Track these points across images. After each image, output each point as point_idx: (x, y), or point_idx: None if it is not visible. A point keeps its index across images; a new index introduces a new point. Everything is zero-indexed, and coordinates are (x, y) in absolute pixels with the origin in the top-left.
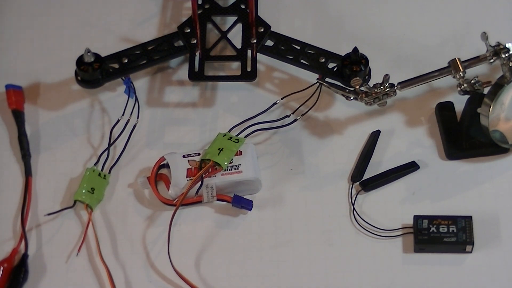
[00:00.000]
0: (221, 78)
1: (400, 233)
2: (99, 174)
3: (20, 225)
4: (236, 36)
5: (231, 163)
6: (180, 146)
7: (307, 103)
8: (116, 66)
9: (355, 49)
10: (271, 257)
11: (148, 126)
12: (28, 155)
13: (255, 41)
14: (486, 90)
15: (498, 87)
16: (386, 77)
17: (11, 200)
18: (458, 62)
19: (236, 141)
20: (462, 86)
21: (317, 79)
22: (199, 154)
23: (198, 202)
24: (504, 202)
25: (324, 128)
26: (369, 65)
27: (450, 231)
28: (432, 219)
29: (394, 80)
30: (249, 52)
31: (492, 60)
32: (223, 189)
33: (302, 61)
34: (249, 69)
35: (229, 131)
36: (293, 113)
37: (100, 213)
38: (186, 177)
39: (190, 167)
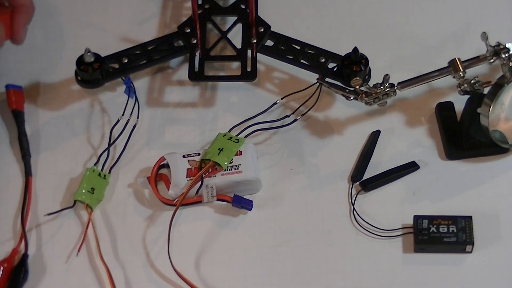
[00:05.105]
0: (221, 78)
1: (400, 233)
2: (99, 174)
3: (20, 225)
4: (236, 36)
5: (231, 163)
6: (180, 146)
7: (307, 103)
8: (116, 66)
9: (355, 49)
10: (271, 257)
11: (148, 126)
12: (28, 155)
13: (255, 41)
14: (486, 90)
15: (498, 87)
16: (386, 77)
17: (11, 200)
18: (458, 62)
19: (236, 141)
20: (462, 86)
21: (317, 79)
22: (199, 154)
23: (198, 202)
24: (504, 202)
25: (324, 128)
26: (369, 65)
27: (450, 231)
28: (432, 219)
29: (394, 80)
30: (249, 52)
31: (492, 60)
32: (223, 189)
33: (302, 61)
34: (249, 69)
35: (229, 131)
36: (293, 113)
37: (100, 213)
38: (186, 177)
39: (190, 167)
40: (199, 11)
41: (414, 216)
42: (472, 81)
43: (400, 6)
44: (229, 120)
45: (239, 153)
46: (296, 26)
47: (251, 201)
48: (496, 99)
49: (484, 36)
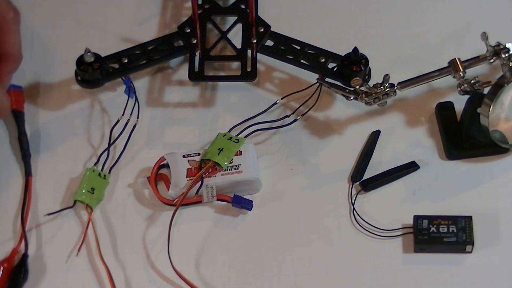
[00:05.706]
0: (221, 78)
1: (400, 233)
2: (99, 174)
3: (20, 225)
4: (236, 36)
5: (231, 163)
6: (180, 146)
7: (307, 103)
8: (116, 66)
9: (355, 49)
10: (271, 257)
11: (148, 126)
12: (28, 155)
13: (255, 41)
14: (486, 90)
15: (498, 87)
16: (386, 77)
17: (11, 200)
18: (458, 62)
19: (236, 141)
20: (462, 86)
21: (317, 79)
22: (199, 154)
23: (198, 202)
24: (504, 202)
25: (324, 128)
26: (369, 65)
27: (450, 231)
28: (432, 219)
29: (394, 80)
30: (249, 52)
31: (492, 60)
32: (223, 189)
33: (302, 61)
34: (249, 69)
35: (229, 131)
36: (293, 113)
37: (100, 213)
38: (186, 177)
39: (190, 167)
40: (199, 11)
41: (414, 216)
42: (472, 81)
43: (400, 6)
44: (229, 120)
45: (239, 153)
46: (296, 26)
47: (251, 201)
48: (496, 99)
49: (484, 36)
